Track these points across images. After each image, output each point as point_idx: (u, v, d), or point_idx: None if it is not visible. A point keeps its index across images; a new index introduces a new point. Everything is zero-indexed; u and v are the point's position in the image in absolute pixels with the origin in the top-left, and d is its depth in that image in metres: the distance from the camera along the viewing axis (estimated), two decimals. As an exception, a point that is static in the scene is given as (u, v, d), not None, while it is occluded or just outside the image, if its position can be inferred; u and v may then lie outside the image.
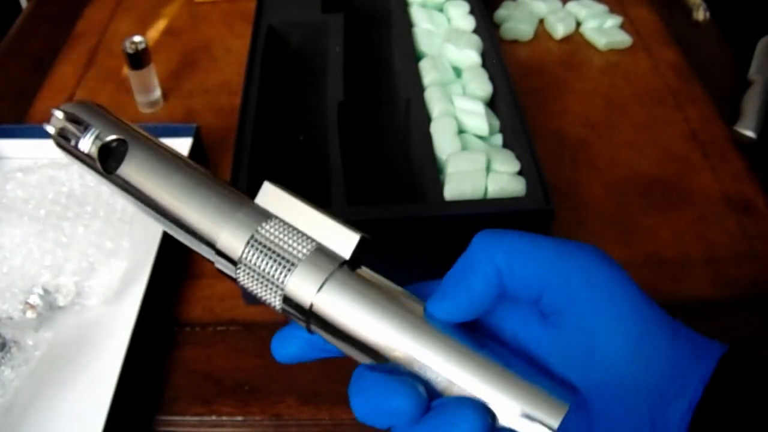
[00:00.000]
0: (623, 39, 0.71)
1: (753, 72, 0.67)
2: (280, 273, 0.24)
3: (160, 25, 0.75)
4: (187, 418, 0.42)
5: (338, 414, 0.42)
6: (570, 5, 0.75)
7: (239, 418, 0.42)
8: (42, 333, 0.43)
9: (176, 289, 0.48)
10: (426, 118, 0.50)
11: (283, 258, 0.24)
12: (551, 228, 0.44)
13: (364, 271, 0.25)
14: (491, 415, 0.22)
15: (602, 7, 0.74)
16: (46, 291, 0.44)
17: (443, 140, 0.48)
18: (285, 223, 0.25)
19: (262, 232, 0.25)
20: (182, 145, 0.52)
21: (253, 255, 0.25)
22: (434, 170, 0.46)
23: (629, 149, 0.60)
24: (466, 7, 0.62)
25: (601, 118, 0.63)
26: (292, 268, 0.24)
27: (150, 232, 0.48)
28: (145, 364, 0.43)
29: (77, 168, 0.52)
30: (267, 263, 0.24)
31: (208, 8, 0.77)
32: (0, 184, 0.50)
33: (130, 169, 0.27)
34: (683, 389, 0.22)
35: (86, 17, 0.76)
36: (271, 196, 0.26)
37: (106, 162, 0.28)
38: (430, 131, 0.49)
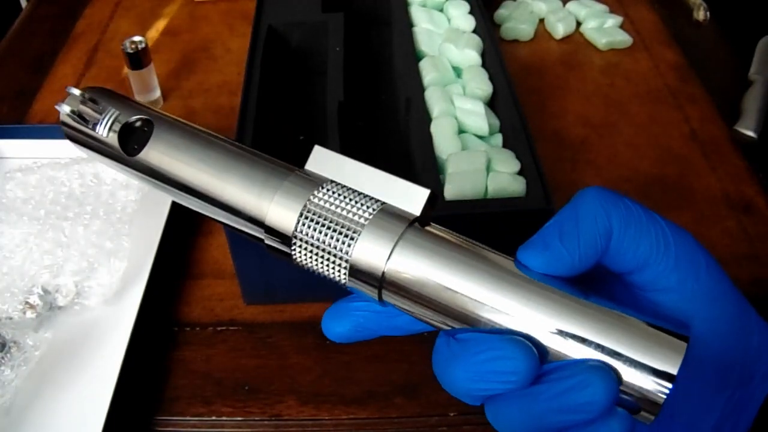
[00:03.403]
0: (623, 39, 0.71)
1: (753, 72, 0.67)
2: (343, 242, 0.22)
3: (160, 25, 0.75)
4: (187, 418, 0.42)
5: (338, 414, 0.41)
6: (570, 5, 0.74)
7: (239, 418, 0.42)
8: (42, 333, 0.43)
9: (176, 289, 0.48)
10: (426, 118, 0.50)
11: (343, 225, 0.22)
12: (551, 228, 0.44)
13: (435, 227, 0.23)
14: (617, 377, 0.19)
15: (602, 7, 0.74)
16: (45, 291, 0.44)
17: (443, 140, 0.48)
18: (341, 186, 0.23)
19: (315, 200, 0.23)
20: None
21: (308, 227, 0.22)
22: (434, 170, 0.46)
23: (629, 149, 0.60)
24: (466, 7, 0.62)
25: (601, 118, 0.63)
26: (355, 234, 0.22)
27: (150, 232, 0.48)
28: (145, 364, 0.43)
29: (77, 167, 0.52)
30: (326, 233, 0.22)
31: (208, 8, 0.77)
32: (0, 184, 0.50)
33: (158, 149, 0.25)
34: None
35: (86, 17, 0.76)
36: (321, 160, 0.24)
37: (127, 145, 0.26)
38: (430, 131, 0.49)
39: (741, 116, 0.62)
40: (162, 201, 0.50)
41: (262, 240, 0.24)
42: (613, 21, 0.73)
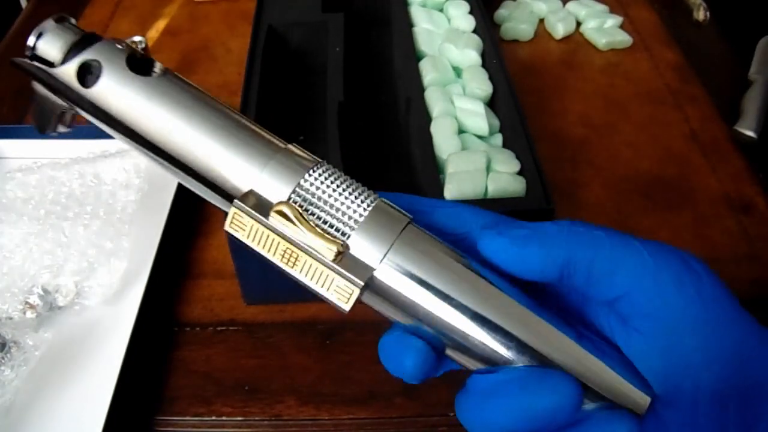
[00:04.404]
0: (623, 39, 0.71)
1: (753, 72, 0.67)
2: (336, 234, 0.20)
3: (160, 25, 0.75)
4: (187, 418, 0.42)
5: (338, 414, 0.41)
6: (570, 5, 0.74)
7: (239, 418, 0.42)
8: (42, 333, 0.43)
9: (176, 289, 0.48)
10: (426, 118, 0.50)
11: (335, 218, 0.20)
12: (551, 228, 0.44)
13: (425, 232, 0.22)
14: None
15: (602, 7, 0.74)
16: (45, 291, 0.44)
17: (443, 140, 0.48)
18: (333, 170, 0.21)
19: (307, 185, 0.21)
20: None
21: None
22: (434, 170, 0.46)
23: (629, 149, 0.60)
24: (466, 7, 0.62)
25: (601, 118, 0.63)
26: (348, 231, 0.20)
27: (150, 232, 0.48)
28: (145, 364, 0.43)
29: (77, 167, 0.52)
30: (316, 223, 0.20)
31: (208, 8, 0.77)
32: (0, 184, 0.50)
33: (124, 85, 0.22)
34: None
35: (86, 17, 0.76)
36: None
37: (85, 77, 0.22)
38: (430, 131, 0.49)
39: (741, 116, 0.62)
40: (162, 201, 0.50)
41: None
42: (613, 21, 0.73)
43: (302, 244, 0.20)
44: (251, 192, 0.21)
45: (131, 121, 0.22)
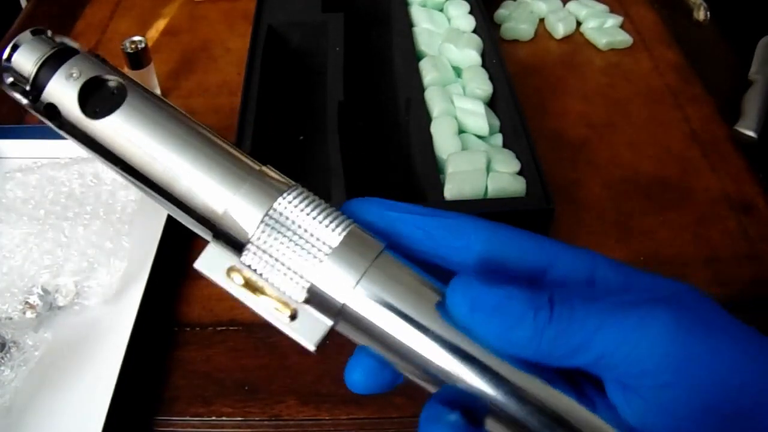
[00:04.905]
0: (624, 39, 0.71)
1: (753, 72, 0.67)
2: (306, 260, 0.20)
3: (160, 25, 0.75)
4: (187, 418, 0.42)
5: (338, 414, 0.41)
6: (570, 5, 0.74)
7: (239, 418, 0.41)
8: (41, 333, 0.43)
9: (176, 289, 0.48)
10: (426, 118, 0.50)
11: (308, 241, 0.20)
12: (551, 228, 0.44)
13: (397, 259, 0.21)
14: None
15: (603, 7, 0.74)
16: (45, 291, 0.44)
17: (443, 140, 0.48)
18: (307, 193, 0.21)
19: (281, 207, 0.21)
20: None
21: (269, 236, 0.20)
22: (434, 170, 0.46)
23: (629, 149, 0.60)
24: (466, 7, 0.62)
25: (601, 118, 0.63)
26: (321, 255, 0.20)
27: (150, 232, 0.48)
28: (145, 364, 0.43)
29: (77, 167, 0.52)
30: (288, 247, 0.20)
31: (208, 8, 0.77)
32: (0, 184, 0.50)
33: (127, 119, 0.21)
34: None
35: (86, 17, 0.76)
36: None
37: (86, 105, 0.22)
38: (430, 131, 0.49)
39: (741, 116, 0.62)
40: (162, 201, 0.50)
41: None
42: (613, 21, 0.73)
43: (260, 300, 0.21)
44: (221, 227, 0.21)
45: (108, 147, 0.22)
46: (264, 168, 0.22)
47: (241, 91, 0.51)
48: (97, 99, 0.22)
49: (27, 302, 0.44)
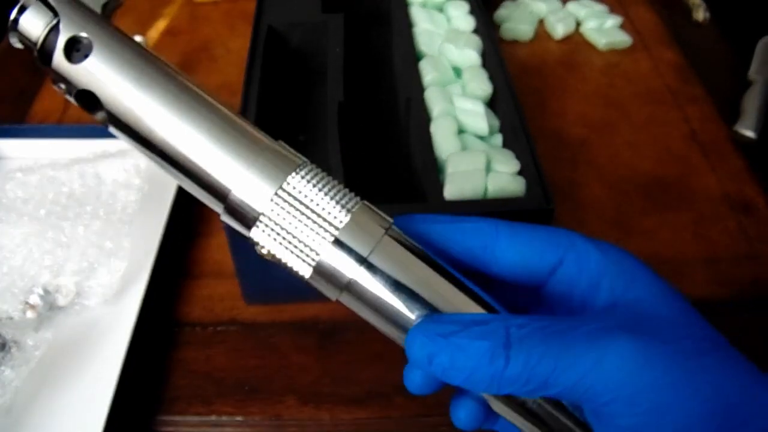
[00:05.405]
0: (623, 39, 0.71)
1: (753, 72, 0.67)
2: (317, 235, 0.21)
3: (160, 25, 0.75)
4: (187, 418, 0.42)
5: (338, 414, 0.41)
6: (570, 5, 0.75)
7: (239, 418, 0.42)
8: (42, 333, 0.43)
9: (176, 289, 0.48)
10: (426, 118, 0.50)
11: (319, 216, 0.21)
12: (551, 228, 0.44)
13: (405, 238, 0.22)
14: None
15: (602, 7, 0.74)
16: (46, 291, 0.44)
17: (443, 140, 0.48)
18: (319, 170, 0.22)
19: (294, 182, 0.21)
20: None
21: (281, 211, 0.21)
22: (434, 170, 0.46)
23: (629, 149, 0.60)
24: (466, 7, 0.62)
25: (601, 118, 0.63)
26: (332, 231, 0.21)
27: (150, 232, 0.48)
28: (145, 364, 0.43)
29: (78, 167, 0.52)
30: (300, 222, 0.21)
31: (208, 8, 0.77)
32: (0, 184, 0.50)
33: (111, 64, 0.21)
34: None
35: (86, 17, 0.76)
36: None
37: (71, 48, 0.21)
38: (430, 131, 0.49)
39: (741, 116, 0.62)
40: (162, 201, 0.50)
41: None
42: (613, 21, 0.73)
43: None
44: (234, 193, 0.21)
45: (115, 107, 0.21)
46: (277, 144, 0.22)
47: (241, 91, 0.51)
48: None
49: (27, 302, 0.44)
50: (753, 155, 0.59)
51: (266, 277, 0.45)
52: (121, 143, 0.54)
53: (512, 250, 0.24)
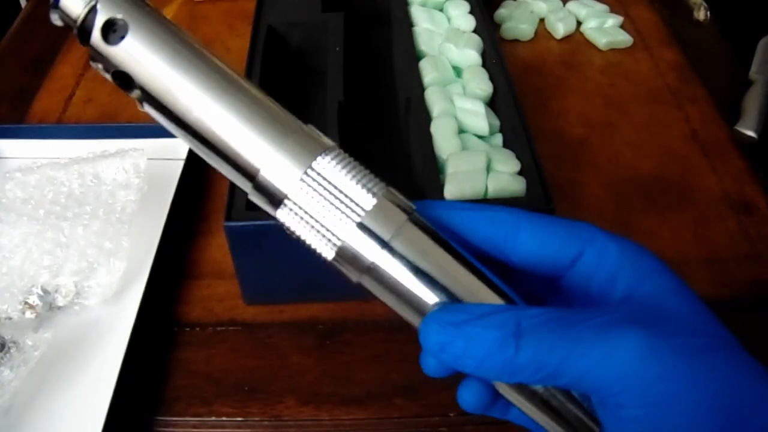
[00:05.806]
0: (624, 39, 0.71)
1: (754, 71, 0.67)
2: (340, 220, 0.21)
3: (160, 24, 0.75)
4: (187, 418, 0.42)
5: (338, 414, 0.41)
6: (570, 5, 0.74)
7: (239, 418, 0.41)
8: (41, 333, 0.43)
9: (176, 290, 0.48)
10: (426, 118, 0.50)
11: (343, 202, 0.21)
12: (551, 228, 0.44)
13: (426, 225, 0.23)
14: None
15: (603, 7, 0.74)
16: (45, 291, 0.44)
17: (443, 140, 0.48)
18: (345, 156, 0.22)
19: (320, 167, 0.21)
20: (182, 146, 0.52)
21: (306, 194, 0.21)
22: (434, 170, 0.46)
23: (629, 149, 0.60)
24: (466, 6, 0.62)
25: (601, 118, 0.63)
26: (355, 216, 0.21)
27: (150, 232, 0.48)
28: (144, 365, 0.43)
29: (77, 167, 0.52)
30: (324, 206, 0.21)
31: (208, 8, 0.77)
32: (0, 184, 0.50)
33: (147, 45, 0.22)
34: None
35: (86, 17, 0.76)
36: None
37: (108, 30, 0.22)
38: (430, 131, 0.49)
39: (741, 116, 0.62)
40: (162, 201, 0.50)
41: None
42: (613, 21, 0.73)
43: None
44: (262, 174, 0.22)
45: (151, 87, 0.22)
46: (306, 127, 0.23)
47: (241, 91, 0.50)
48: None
49: (27, 302, 0.44)
50: (754, 155, 0.59)
51: (266, 277, 0.45)
52: (120, 143, 0.54)
53: (533, 242, 0.24)
